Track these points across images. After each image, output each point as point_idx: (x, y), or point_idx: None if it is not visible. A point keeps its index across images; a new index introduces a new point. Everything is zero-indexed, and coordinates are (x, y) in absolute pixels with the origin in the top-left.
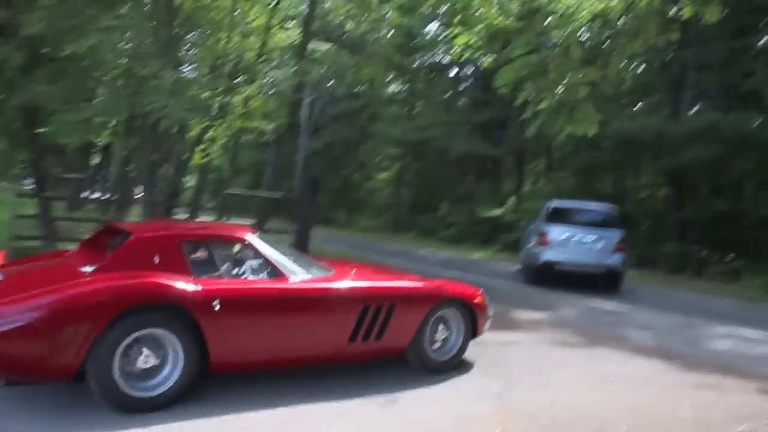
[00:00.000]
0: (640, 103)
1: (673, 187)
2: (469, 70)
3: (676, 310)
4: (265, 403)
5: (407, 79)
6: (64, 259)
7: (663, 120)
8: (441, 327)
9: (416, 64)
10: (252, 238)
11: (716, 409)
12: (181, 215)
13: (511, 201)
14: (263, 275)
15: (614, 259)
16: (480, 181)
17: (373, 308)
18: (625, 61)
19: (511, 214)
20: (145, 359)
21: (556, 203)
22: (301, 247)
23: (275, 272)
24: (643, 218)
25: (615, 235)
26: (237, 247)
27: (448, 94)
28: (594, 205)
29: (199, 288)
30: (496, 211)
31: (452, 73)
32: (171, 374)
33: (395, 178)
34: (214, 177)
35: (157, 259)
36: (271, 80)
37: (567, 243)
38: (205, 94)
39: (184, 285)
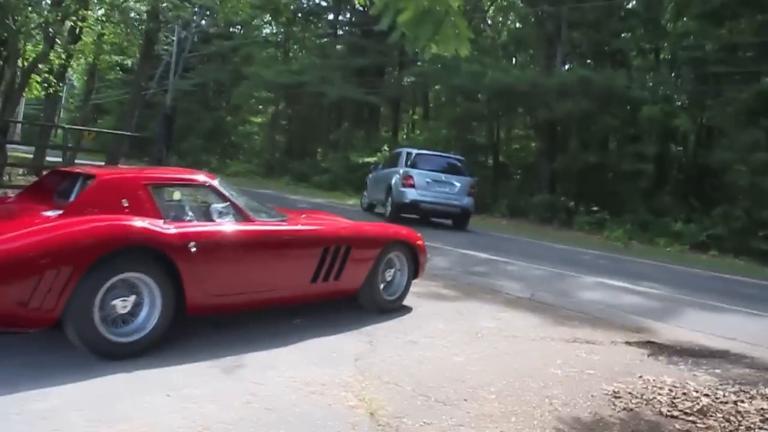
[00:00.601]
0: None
1: (545, 140)
2: (346, 15)
3: (546, 260)
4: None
5: (283, 22)
6: (13, 205)
7: (537, 74)
8: (389, 269)
9: (292, 6)
10: (215, 181)
11: (588, 365)
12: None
13: (385, 149)
14: (230, 218)
15: (467, 201)
16: (356, 128)
17: (332, 250)
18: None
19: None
20: (123, 304)
21: (417, 151)
22: None
23: (241, 215)
24: (515, 170)
25: (468, 181)
26: (201, 191)
27: (324, 39)
28: (448, 156)
29: (176, 230)
30: (371, 159)
31: (330, 17)
32: (149, 318)
33: (270, 122)
34: (75, 116)
35: (125, 203)
36: (118, 6)
37: (429, 186)
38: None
39: (162, 228)
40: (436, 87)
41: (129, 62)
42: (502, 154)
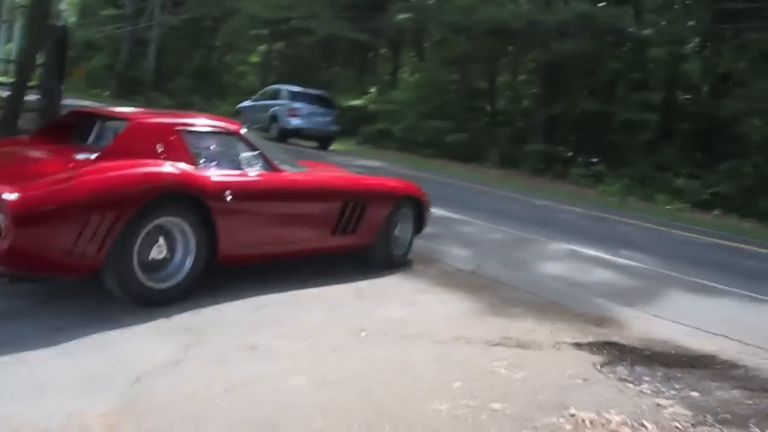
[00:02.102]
0: None
1: (543, 84)
2: None
3: (517, 220)
4: None
5: None
6: (36, 147)
7: (535, 8)
8: (398, 223)
9: None
10: (244, 130)
11: (499, 392)
12: None
13: (373, 91)
14: (258, 168)
15: (335, 128)
16: (347, 68)
17: (351, 203)
18: None
19: (374, 105)
20: (159, 250)
21: (296, 89)
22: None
23: (269, 165)
24: (513, 118)
25: (334, 112)
26: (231, 140)
27: None
28: (319, 91)
29: (212, 178)
30: (358, 101)
31: None
32: (182, 265)
33: (262, 61)
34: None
35: (160, 148)
36: None
37: (309, 116)
38: None
39: (201, 174)
40: (429, 25)
41: None
42: (500, 101)
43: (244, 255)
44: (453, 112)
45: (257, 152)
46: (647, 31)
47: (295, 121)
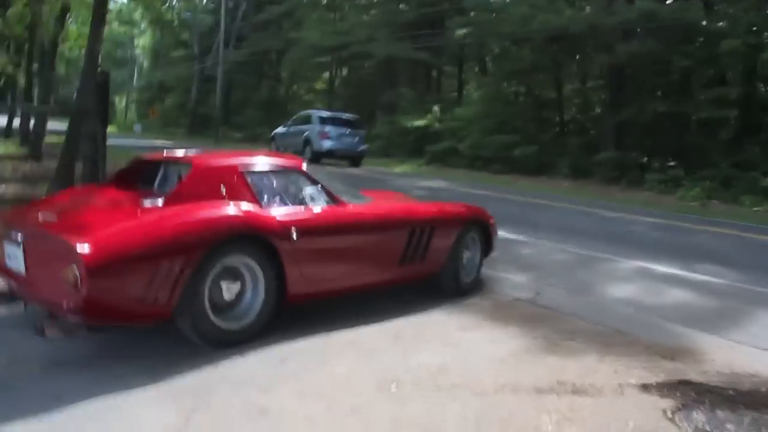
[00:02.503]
0: None
1: (611, 89)
2: None
3: (584, 236)
4: None
5: None
6: (105, 194)
7: (594, 11)
8: (467, 249)
9: None
10: (305, 166)
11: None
12: None
13: (436, 109)
14: (321, 202)
15: (363, 148)
16: (412, 88)
17: (418, 231)
18: None
19: (438, 123)
20: (229, 291)
21: (324, 113)
22: (93, 178)
23: (332, 199)
24: (582, 125)
25: (362, 133)
26: (292, 175)
27: None
28: (347, 115)
29: (278, 217)
30: (421, 122)
31: None
32: (252, 305)
33: (327, 89)
34: (144, 96)
35: (224, 190)
36: None
37: (339, 138)
38: None
39: (266, 214)
40: (489, 39)
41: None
42: (569, 109)
43: (313, 292)
44: (520, 125)
45: (319, 186)
46: (720, 24)
47: (327, 144)
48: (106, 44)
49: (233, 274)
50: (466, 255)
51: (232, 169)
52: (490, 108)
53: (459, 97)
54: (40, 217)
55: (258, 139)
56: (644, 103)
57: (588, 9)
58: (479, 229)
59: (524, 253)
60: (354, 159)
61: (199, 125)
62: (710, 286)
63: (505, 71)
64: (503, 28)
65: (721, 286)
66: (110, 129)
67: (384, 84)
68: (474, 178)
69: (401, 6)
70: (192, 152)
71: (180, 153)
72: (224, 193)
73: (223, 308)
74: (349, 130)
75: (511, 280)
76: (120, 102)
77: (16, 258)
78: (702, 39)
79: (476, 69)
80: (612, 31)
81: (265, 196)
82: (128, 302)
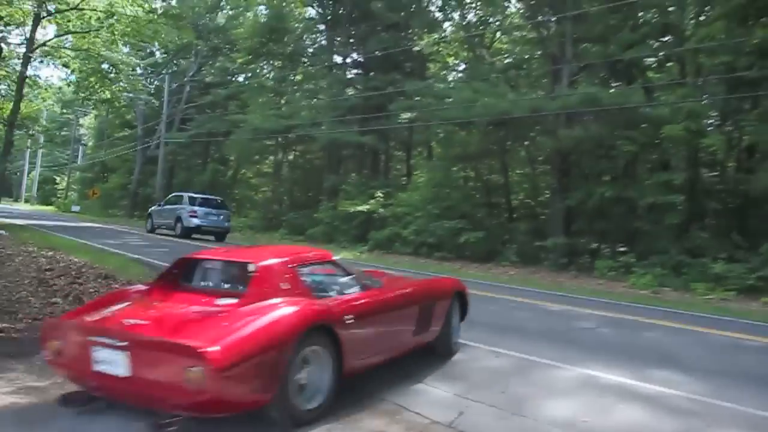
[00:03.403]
0: (513, 77)
1: (555, 174)
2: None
3: (524, 335)
4: None
5: (278, 65)
6: (164, 297)
7: (539, 97)
8: (454, 315)
9: (291, 46)
10: (337, 257)
11: None
12: None
13: (381, 195)
14: (355, 289)
15: (227, 225)
16: (359, 172)
17: (425, 304)
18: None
19: (383, 210)
20: (306, 375)
21: (193, 194)
22: None
23: (363, 286)
24: (531, 210)
25: (227, 212)
26: (327, 267)
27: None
28: (213, 197)
29: (337, 307)
30: (364, 207)
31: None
32: (321, 385)
33: (273, 172)
34: (85, 176)
35: (284, 286)
36: None
37: (205, 216)
38: None
39: (326, 305)
40: (433, 123)
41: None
42: (516, 194)
43: (360, 366)
44: (468, 210)
45: (350, 275)
46: (660, 110)
47: (195, 221)
48: (51, 124)
49: (307, 360)
50: (455, 320)
51: (286, 267)
52: (436, 193)
53: (408, 182)
54: (131, 321)
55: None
56: (591, 188)
57: (531, 94)
58: (460, 297)
59: (454, 359)
60: (219, 234)
61: (141, 207)
62: (667, 400)
63: (452, 155)
64: (446, 113)
65: (680, 399)
66: (50, 209)
67: (330, 168)
68: (418, 265)
69: (347, 90)
70: (233, 252)
71: (222, 252)
72: (285, 289)
73: (301, 391)
74: (214, 209)
75: (431, 393)
76: (61, 182)
77: (113, 362)
78: (645, 125)
79: (424, 153)
80: (555, 117)
81: (314, 288)
82: (242, 394)
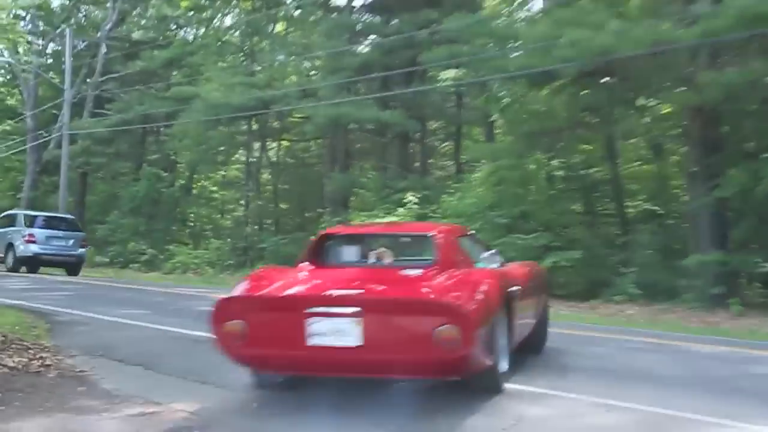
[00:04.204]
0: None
1: (696, 149)
2: None
3: (664, 383)
4: None
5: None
6: (340, 273)
7: (662, 25)
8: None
9: None
10: (472, 231)
11: None
12: None
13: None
14: (497, 264)
15: (81, 252)
16: (378, 169)
17: (538, 289)
18: None
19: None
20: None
21: (33, 213)
22: None
23: (501, 262)
24: (654, 217)
25: (80, 235)
26: (472, 239)
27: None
28: (62, 215)
29: (507, 277)
30: (388, 219)
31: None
32: (504, 349)
33: (244, 177)
34: None
35: (459, 256)
36: None
37: (48, 240)
38: None
39: (506, 276)
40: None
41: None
42: (631, 194)
43: (514, 343)
44: (552, 219)
45: (493, 252)
46: None
47: (32, 248)
48: None
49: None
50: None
51: (455, 237)
52: (502, 194)
53: (457, 180)
54: (354, 290)
55: (126, 263)
56: (761, 167)
57: (649, 20)
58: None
59: (536, 413)
60: (70, 266)
61: None
62: None
63: (524, 133)
64: (514, 61)
65: None
66: None
67: (333, 163)
68: None
69: (356, 42)
70: (400, 224)
71: (378, 225)
72: (460, 259)
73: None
74: (62, 231)
75: None
76: None
77: (340, 332)
78: None
79: (480, 135)
80: (691, 54)
81: (472, 258)
82: (479, 355)
